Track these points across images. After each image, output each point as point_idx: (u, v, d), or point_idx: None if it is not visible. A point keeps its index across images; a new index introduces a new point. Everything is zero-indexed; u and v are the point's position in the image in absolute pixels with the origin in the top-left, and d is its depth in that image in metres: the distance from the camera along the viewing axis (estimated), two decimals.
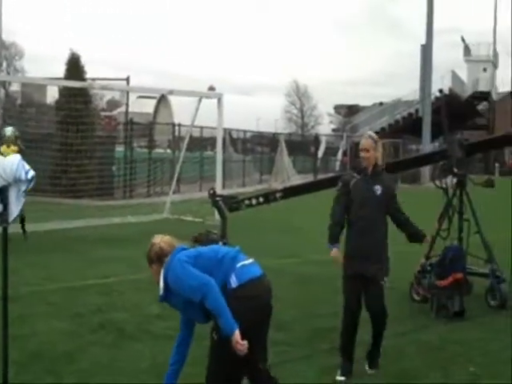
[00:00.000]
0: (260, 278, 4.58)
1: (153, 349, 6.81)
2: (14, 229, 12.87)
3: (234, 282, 4.44)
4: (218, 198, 10.28)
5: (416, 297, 9.14)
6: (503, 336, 7.69)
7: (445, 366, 6.50)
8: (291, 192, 10.86)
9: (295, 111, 73.17)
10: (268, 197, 10.44)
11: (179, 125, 30.34)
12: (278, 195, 10.42)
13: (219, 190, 18.13)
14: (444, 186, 9.31)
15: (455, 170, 9.25)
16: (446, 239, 9.12)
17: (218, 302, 4.32)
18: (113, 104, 68.15)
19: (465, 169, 9.38)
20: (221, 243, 9.76)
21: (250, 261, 4.65)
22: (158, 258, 4.65)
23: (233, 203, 10.37)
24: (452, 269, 8.60)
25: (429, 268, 9.01)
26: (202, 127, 30.19)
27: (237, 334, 4.27)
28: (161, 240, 4.72)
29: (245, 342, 4.28)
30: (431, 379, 6.15)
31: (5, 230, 4.58)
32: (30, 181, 4.66)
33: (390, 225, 6.53)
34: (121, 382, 5.85)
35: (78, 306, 8.44)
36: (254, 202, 10.34)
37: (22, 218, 13.18)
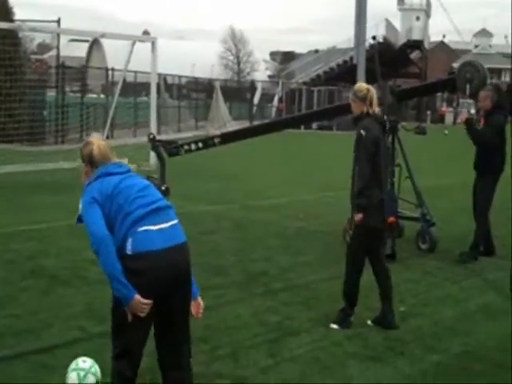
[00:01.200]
0: (165, 250, 3.78)
1: (87, 294, 6.77)
2: None
3: (128, 248, 3.73)
4: (157, 143, 10.24)
5: (349, 240, 9.28)
6: (431, 277, 7.94)
7: (377, 306, 6.64)
8: (229, 137, 10.82)
9: (231, 57, 72.46)
10: (207, 142, 10.41)
11: (112, 69, 29.74)
12: (216, 141, 10.38)
13: None
14: None
15: (385, 117, 9.34)
16: None
17: (109, 268, 3.74)
18: (44, 47, 66.27)
19: (396, 115, 9.48)
20: (163, 188, 9.92)
21: (164, 225, 3.84)
22: (89, 161, 4.04)
23: (172, 148, 10.37)
24: None
25: None
26: (136, 72, 29.66)
27: (134, 301, 3.72)
28: (96, 144, 4.07)
29: (148, 301, 3.74)
30: (363, 319, 6.29)
31: None
32: None
33: None
34: (54, 327, 5.80)
35: (10, 253, 8.30)
36: (193, 147, 10.31)
37: None
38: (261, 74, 67.37)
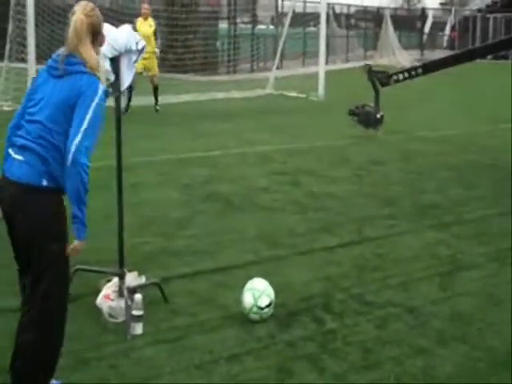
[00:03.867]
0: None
1: (259, 219, 6.97)
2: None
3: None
4: (372, 73, 11.46)
5: None
6: None
7: None
8: (431, 67, 11.14)
9: None
10: (410, 72, 11.03)
11: (282, 0, 29.76)
12: (419, 71, 10.95)
13: (322, 66, 17.91)
14: None
15: None
16: None
17: None
18: None
19: None
20: (378, 115, 11.39)
21: (17, 157, 3.41)
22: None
23: (383, 78, 11.33)
24: None
25: None
26: (305, 2, 29.51)
27: None
28: (74, 18, 3.48)
29: None
30: None
31: (117, 99, 4.67)
32: (140, 51, 4.68)
33: None
34: (229, 249, 6.05)
35: (187, 177, 8.67)
36: (400, 77, 11.07)
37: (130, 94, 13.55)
38: (432, 1, 64.68)
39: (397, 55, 33.88)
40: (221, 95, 16.72)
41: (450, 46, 44.03)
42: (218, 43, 24.64)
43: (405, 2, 67.34)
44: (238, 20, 27.59)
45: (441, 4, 65.51)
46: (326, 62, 21.51)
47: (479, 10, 48.53)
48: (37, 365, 3.42)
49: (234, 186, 8.32)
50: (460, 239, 6.55)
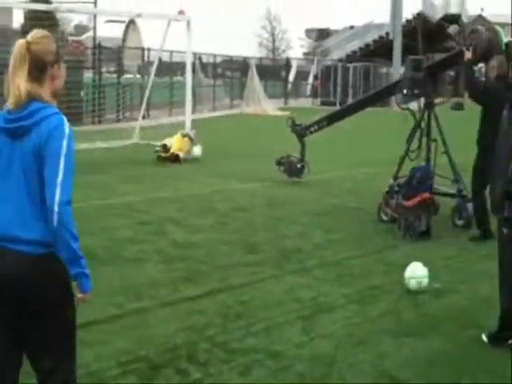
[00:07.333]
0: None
1: (123, 272, 6.86)
2: None
3: None
4: (295, 126, 12.11)
5: (384, 217, 9.26)
6: (468, 254, 7.88)
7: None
8: (335, 118, 11.76)
9: (266, 35, 72.20)
10: (319, 124, 11.68)
11: (148, 49, 29.90)
12: (324, 123, 11.65)
13: (188, 116, 18.05)
14: (408, 107, 9.40)
15: (404, 91, 9.30)
16: (415, 160, 9.24)
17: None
18: (81, 28, 66.58)
19: (426, 90, 9.36)
20: (299, 165, 12.12)
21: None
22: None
23: (302, 130, 12.01)
24: (419, 189, 8.70)
25: (397, 188, 9.10)
26: (171, 51, 29.75)
27: None
28: None
29: None
30: (394, 295, 6.30)
31: None
32: None
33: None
34: (94, 303, 5.87)
35: None
36: (312, 129, 11.82)
37: None
38: (296, 51, 67.08)
39: (262, 104, 34.72)
40: (85, 146, 16.38)
41: (313, 94, 45.61)
42: (83, 93, 24.29)
43: (270, 52, 69.40)
44: (104, 69, 27.43)
45: (304, 54, 67.97)
46: (193, 111, 21.69)
47: (340, 60, 50.70)
48: None
49: (98, 239, 8.14)
50: (322, 282, 6.71)
